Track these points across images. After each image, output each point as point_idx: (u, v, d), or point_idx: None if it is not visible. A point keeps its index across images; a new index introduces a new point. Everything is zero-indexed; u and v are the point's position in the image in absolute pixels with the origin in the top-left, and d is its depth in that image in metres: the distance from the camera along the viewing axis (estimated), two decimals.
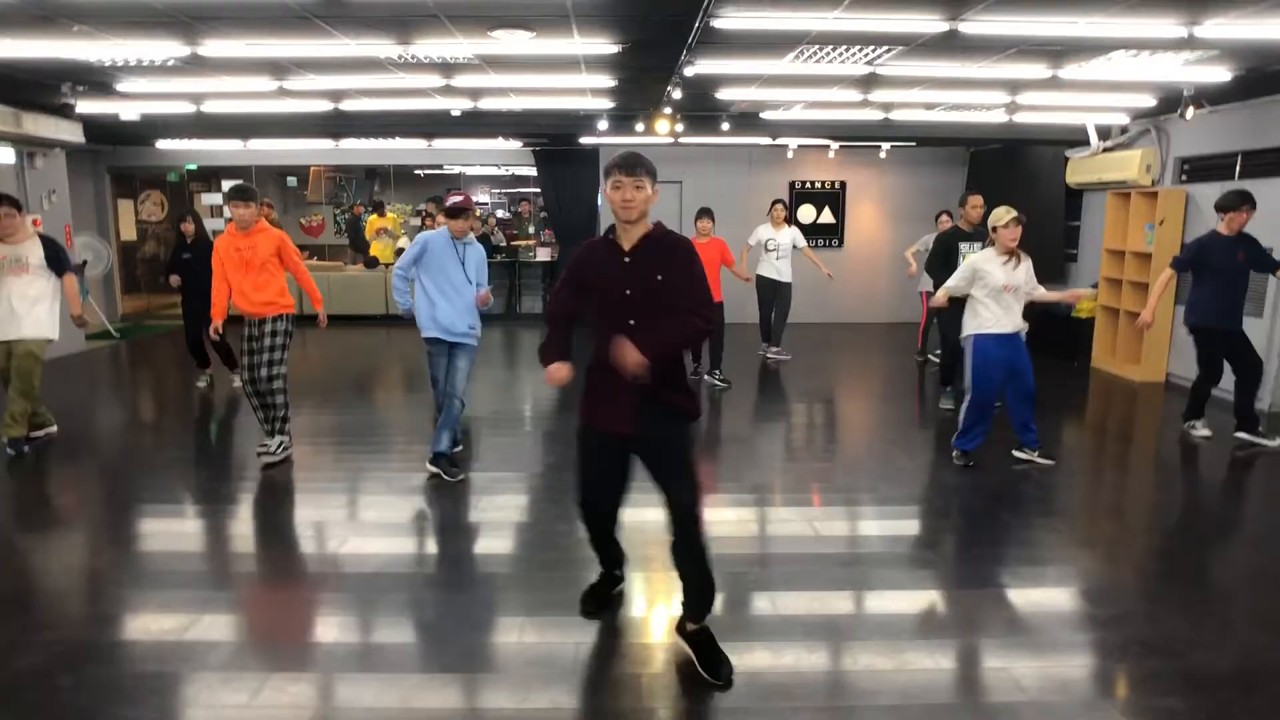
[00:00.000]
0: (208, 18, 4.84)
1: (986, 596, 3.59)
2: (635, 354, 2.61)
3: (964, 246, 6.56)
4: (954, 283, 5.18)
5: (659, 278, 2.74)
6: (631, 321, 2.70)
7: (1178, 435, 6.15)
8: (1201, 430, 6.02)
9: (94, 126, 8.87)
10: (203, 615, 3.28)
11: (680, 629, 3.00)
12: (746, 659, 2.95)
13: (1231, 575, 3.95)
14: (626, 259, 2.78)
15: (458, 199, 4.93)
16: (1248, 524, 4.72)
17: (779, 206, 8.80)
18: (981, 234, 6.42)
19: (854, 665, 2.97)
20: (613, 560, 3.35)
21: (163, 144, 10.85)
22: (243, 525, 4.46)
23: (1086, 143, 9.10)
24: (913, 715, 2.64)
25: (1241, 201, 5.67)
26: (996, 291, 4.98)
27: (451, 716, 2.66)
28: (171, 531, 4.35)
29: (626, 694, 2.81)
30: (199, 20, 4.88)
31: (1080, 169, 9.33)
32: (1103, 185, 8.97)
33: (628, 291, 2.74)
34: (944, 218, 8.85)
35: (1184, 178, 8.13)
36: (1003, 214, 4.98)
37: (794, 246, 8.77)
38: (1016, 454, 5.36)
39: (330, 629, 3.24)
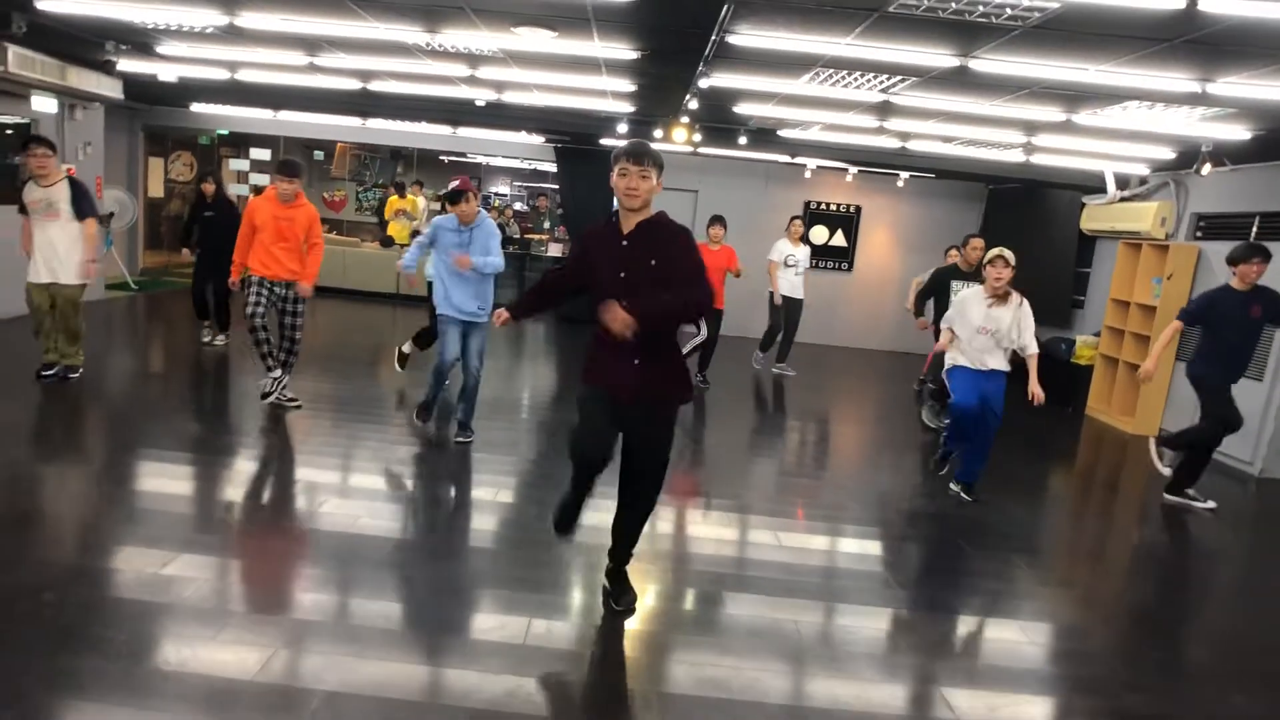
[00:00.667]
0: None
1: (939, 621, 3.65)
2: (622, 314, 2.73)
3: (956, 284, 6.70)
4: (946, 323, 5.25)
5: (652, 262, 2.88)
6: (624, 303, 2.81)
7: (1166, 502, 5.68)
8: (1203, 503, 5.61)
9: (133, 85, 9.09)
10: (183, 554, 3.42)
11: (607, 572, 3.32)
12: (709, 670, 2.97)
13: (1185, 627, 4.00)
14: (624, 242, 2.92)
15: (455, 183, 5.16)
16: (1215, 582, 4.75)
17: (797, 223, 8.88)
18: (978, 275, 6.52)
19: (805, 678, 3.03)
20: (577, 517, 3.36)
21: (197, 107, 11.10)
22: (235, 475, 4.62)
23: (1104, 190, 9.13)
24: None
25: (1253, 254, 5.35)
26: (972, 331, 5.03)
27: (408, 676, 2.77)
28: (167, 475, 4.50)
29: (591, 672, 2.90)
30: None
31: (1095, 216, 9.36)
32: (1116, 234, 9.00)
33: (622, 274, 2.88)
34: (953, 252, 8.88)
35: (1199, 234, 8.14)
36: (991, 252, 5.04)
37: (808, 261, 8.92)
38: (951, 485, 5.33)
39: (303, 581, 3.38)
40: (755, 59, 5.44)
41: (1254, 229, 7.38)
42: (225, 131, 12.67)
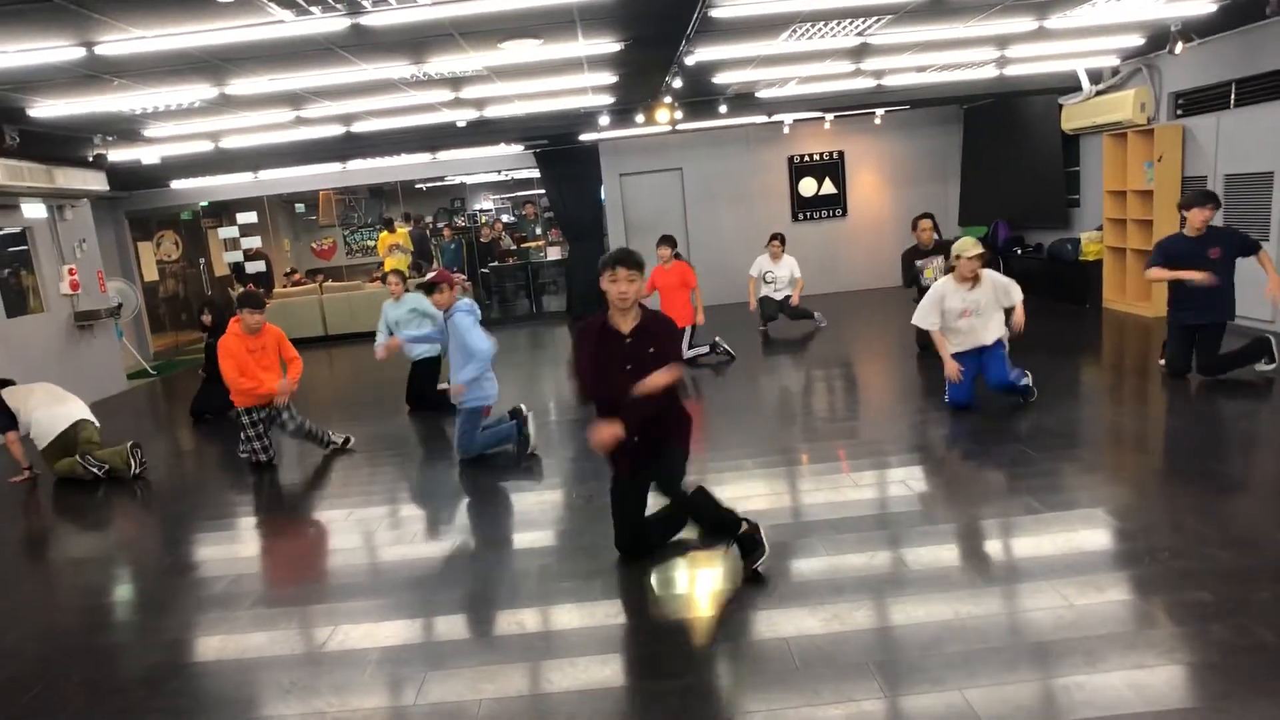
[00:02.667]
0: (237, 58, 5.12)
1: (1016, 531, 3.78)
2: (606, 433, 3.25)
3: (919, 263, 7.20)
4: (924, 317, 5.45)
5: (651, 350, 3.36)
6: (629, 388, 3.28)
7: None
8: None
9: (114, 173, 9.17)
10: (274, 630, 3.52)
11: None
12: (796, 623, 3.06)
13: (1255, 487, 4.18)
14: (628, 339, 3.39)
15: (431, 274, 5.49)
16: (1266, 439, 4.92)
17: (776, 243, 8.97)
18: (937, 251, 7.09)
19: (903, 620, 3.06)
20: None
21: (177, 184, 11.17)
22: (302, 541, 4.69)
23: (1079, 88, 9.27)
24: (975, 660, 2.74)
25: (1202, 200, 5.53)
26: (955, 315, 5.30)
27: (519, 696, 2.86)
28: (244, 552, 4.63)
29: (678, 664, 3.03)
30: (229, 61, 5.15)
31: (1075, 114, 9.50)
32: (1098, 128, 9.15)
33: (628, 367, 3.32)
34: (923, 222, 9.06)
35: (1179, 113, 8.30)
36: (968, 246, 5.24)
37: (792, 277, 8.97)
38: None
39: (398, 629, 3.34)
40: (736, 27, 5.56)
41: (1231, 97, 7.54)
42: (206, 204, 12.76)
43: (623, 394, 3.28)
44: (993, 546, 3.65)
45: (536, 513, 4.59)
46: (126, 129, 7.03)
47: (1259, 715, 2.34)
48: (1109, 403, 5.89)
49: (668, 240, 7.91)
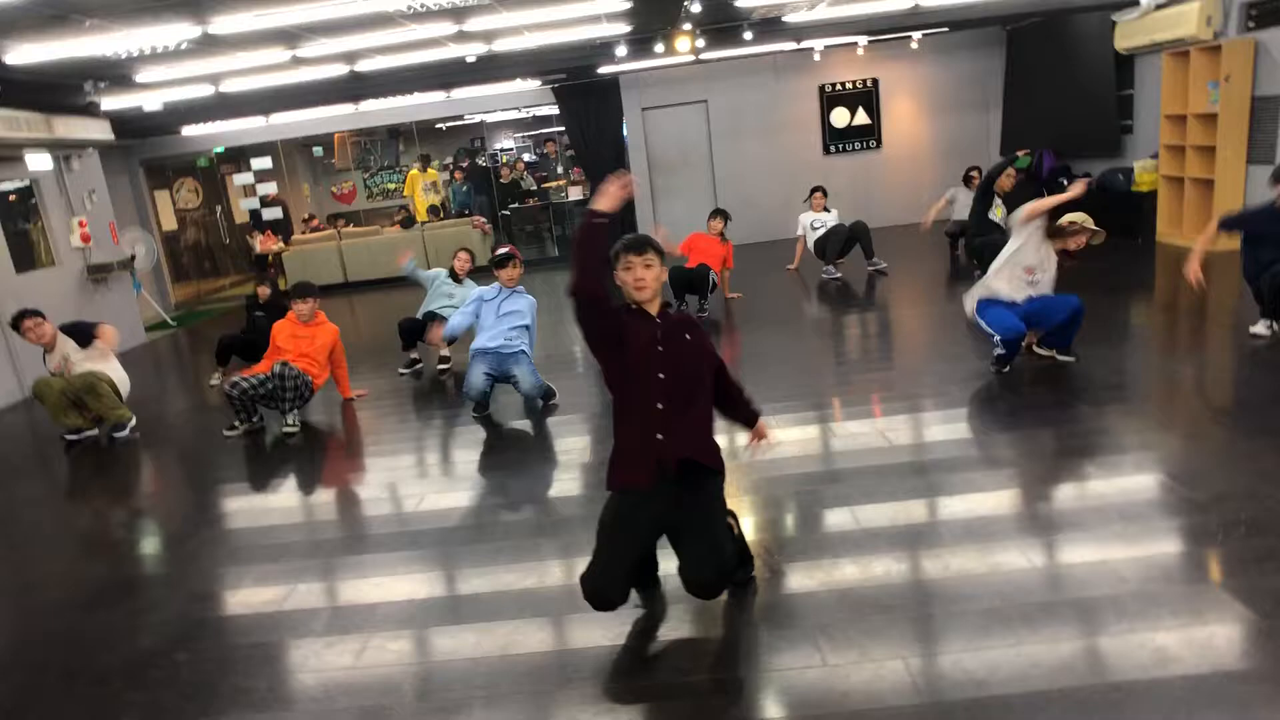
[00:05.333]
0: None
1: (1071, 487, 3.52)
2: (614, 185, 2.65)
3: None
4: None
5: (687, 337, 2.80)
6: (661, 375, 2.71)
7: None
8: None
9: (121, 122, 8.94)
10: (297, 584, 3.41)
11: None
12: (835, 575, 2.97)
13: None
14: (658, 319, 2.80)
15: (505, 249, 5.57)
16: None
17: (818, 195, 8.62)
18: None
19: (945, 572, 2.94)
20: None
21: (189, 130, 10.92)
22: (321, 494, 4.61)
23: (1135, 3, 8.49)
24: (1011, 616, 2.62)
25: None
26: (1021, 269, 4.84)
27: (547, 656, 2.73)
28: (254, 506, 4.50)
29: (718, 625, 2.84)
30: None
31: (1130, 32, 8.73)
32: (1157, 46, 8.39)
33: (660, 348, 2.73)
34: (974, 174, 8.63)
35: (1251, 25, 7.52)
36: (1081, 225, 4.73)
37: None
38: (1038, 349, 5.16)
39: (420, 585, 3.33)
40: None
41: None
42: (221, 149, 12.51)
43: (655, 387, 2.70)
44: (1042, 500, 3.35)
45: (557, 465, 4.45)
46: (116, 74, 6.74)
47: None
48: (1161, 350, 5.46)
49: (722, 214, 7.93)
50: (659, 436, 2.69)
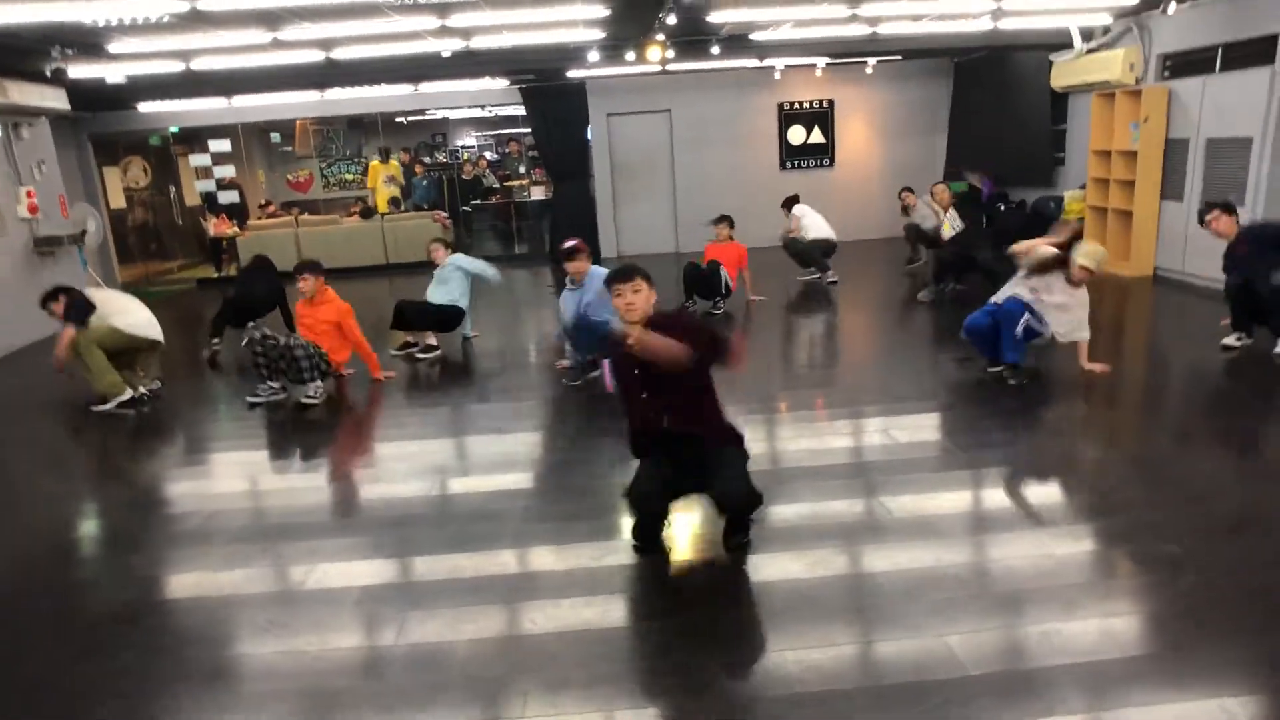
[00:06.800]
0: None
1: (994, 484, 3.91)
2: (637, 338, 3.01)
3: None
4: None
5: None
6: (644, 395, 3.16)
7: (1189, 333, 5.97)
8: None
9: (76, 92, 8.74)
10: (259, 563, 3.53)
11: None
12: (781, 566, 3.15)
13: (1223, 443, 4.30)
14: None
15: (573, 242, 5.77)
16: (1233, 402, 5.05)
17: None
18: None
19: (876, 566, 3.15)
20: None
21: (144, 106, 10.72)
22: (299, 468, 4.73)
23: (1070, 45, 9.19)
24: (932, 607, 2.82)
25: (1213, 208, 5.72)
26: (1038, 297, 5.21)
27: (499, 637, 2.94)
28: (250, 479, 4.60)
29: (671, 601, 3.07)
30: None
31: (1065, 72, 9.44)
32: (1088, 87, 9.10)
33: (635, 371, 3.14)
34: (906, 194, 9.43)
35: (1166, 74, 8.27)
36: (1098, 255, 5.18)
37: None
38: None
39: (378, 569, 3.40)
40: None
41: (1218, 61, 7.51)
42: (176, 129, 12.30)
43: (642, 404, 3.18)
44: (985, 496, 3.74)
45: (520, 453, 4.61)
46: (88, 42, 6.66)
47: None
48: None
49: (726, 220, 8.29)
50: (663, 423, 3.16)
